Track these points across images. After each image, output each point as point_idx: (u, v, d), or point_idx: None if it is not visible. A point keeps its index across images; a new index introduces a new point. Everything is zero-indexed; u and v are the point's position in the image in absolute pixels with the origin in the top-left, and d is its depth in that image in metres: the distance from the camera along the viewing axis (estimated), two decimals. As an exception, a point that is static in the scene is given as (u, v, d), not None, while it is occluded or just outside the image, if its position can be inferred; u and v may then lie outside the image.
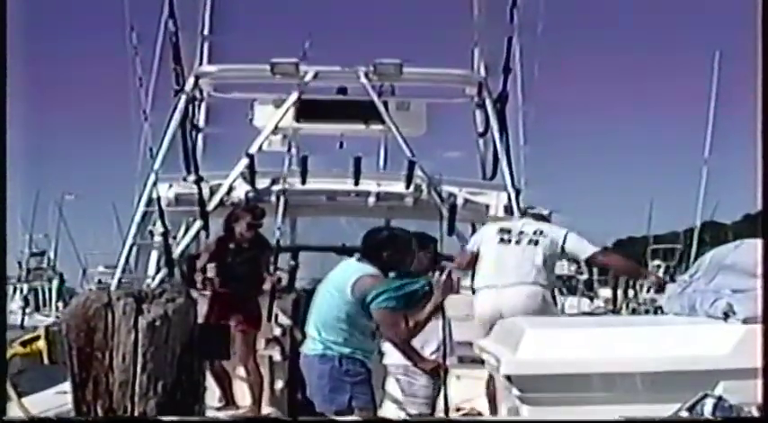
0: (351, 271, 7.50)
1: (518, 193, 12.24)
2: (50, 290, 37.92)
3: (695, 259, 8.35)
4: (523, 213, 10.27)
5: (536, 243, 9.27)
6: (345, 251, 13.35)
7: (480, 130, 13.62)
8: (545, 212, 9.98)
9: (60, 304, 34.08)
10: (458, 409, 9.70)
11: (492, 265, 9.34)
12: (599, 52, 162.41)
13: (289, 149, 13.31)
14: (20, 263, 39.20)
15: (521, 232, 9.38)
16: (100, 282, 25.39)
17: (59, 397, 7.27)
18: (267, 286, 10.16)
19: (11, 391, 5.48)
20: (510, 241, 9.36)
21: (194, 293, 6.95)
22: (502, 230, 9.53)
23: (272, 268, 10.70)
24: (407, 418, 8.34)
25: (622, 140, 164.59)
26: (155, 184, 11.99)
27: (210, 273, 10.12)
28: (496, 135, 12.86)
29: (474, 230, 13.53)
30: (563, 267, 39.33)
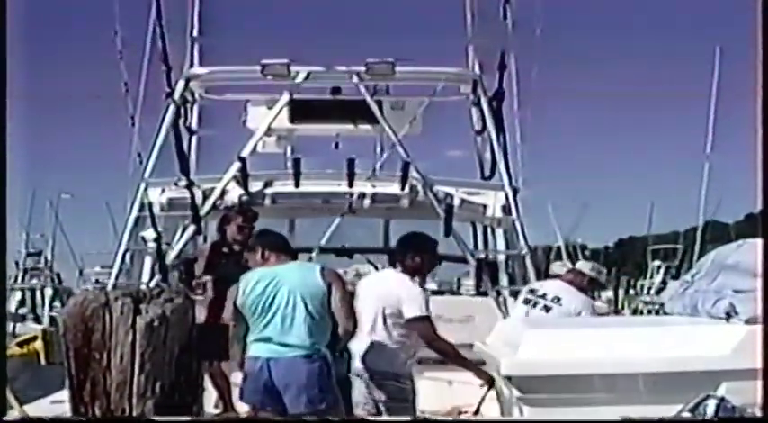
0: (308, 268, 7.91)
1: (515, 192, 12.17)
2: (44, 291, 37.85)
3: (698, 259, 8.34)
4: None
5: (547, 310, 9.26)
6: (344, 252, 13.37)
7: (477, 128, 13.57)
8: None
9: (58, 304, 33.99)
10: (459, 413, 9.68)
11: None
12: (598, 49, 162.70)
13: (285, 152, 13.29)
14: (17, 263, 39.25)
15: (543, 295, 9.52)
16: (97, 281, 25.30)
17: (56, 406, 7.21)
18: None
19: (11, 398, 5.44)
20: (535, 305, 9.52)
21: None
22: (531, 290, 9.78)
23: None
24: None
25: (623, 139, 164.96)
26: (146, 189, 11.92)
27: (205, 278, 10.09)
28: (493, 134, 12.76)
29: (474, 230, 13.56)
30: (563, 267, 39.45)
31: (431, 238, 9.10)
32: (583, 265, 10.08)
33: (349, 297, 7.79)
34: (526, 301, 9.55)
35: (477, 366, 8.19)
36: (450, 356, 8.45)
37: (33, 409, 6.86)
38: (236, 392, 9.76)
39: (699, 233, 31.54)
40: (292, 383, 7.42)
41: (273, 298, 7.54)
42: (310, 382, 7.41)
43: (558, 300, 9.29)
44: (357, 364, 8.32)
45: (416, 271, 8.59)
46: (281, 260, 7.88)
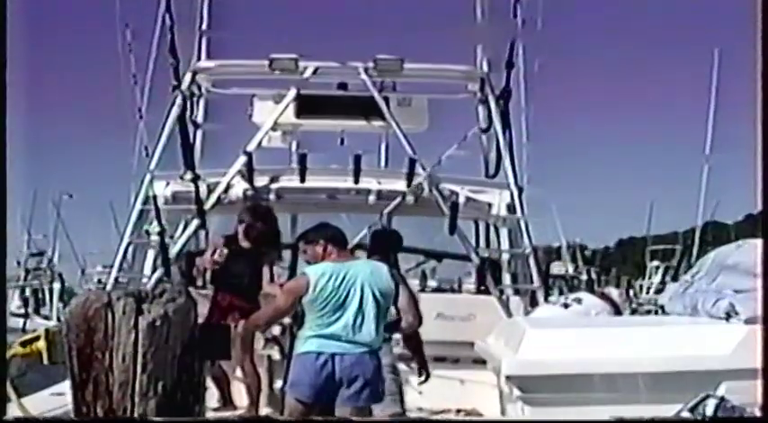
0: (379, 267, 7.81)
1: (520, 190, 12.18)
2: (51, 290, 37.94)
3: (697, 259, 8.40)
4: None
5: (566, 307, 9.35)
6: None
7: (483, 126, 13.57)
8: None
9: (60, 305, 34.08)
10: (458, 411, 9.72)
11: None
12: (601, 50, 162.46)
13: (290, 147, 13.29)
14: (19, 263, 39.26)
15: (566, 296, 9.54)
16: (99, 281, 25.33)
17: (55, 398, 7.25)
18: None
19: (11, 392, 5.47)
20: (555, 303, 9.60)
21: (194, 293, 6.90)
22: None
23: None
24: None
25: (625, 139, 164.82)
26: (151, 182, 11.94)
27: (211, 269, 10.14)
28: (499, 132, 12.75)
29: (477, 229, 13.58)
30: (563, 268, 39.60)
31: (399, 236, 9.24)
32: (612, 290, 10.24)
33: (414, 295, 7.98)
34: (547, 301, 9.63)
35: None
36: None
37: (32, 402, 6.92)
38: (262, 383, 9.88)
39: (698, 233, 31.58)
40: (360, 377, 7.51)
41: (347, 296, 7.56)
42: (374, 378, 7.57)
43: (578, 301, 9.33)
44: None
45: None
46: (342, 255, 7.87)
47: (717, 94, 29.07)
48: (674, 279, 11.51)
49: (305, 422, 7.53)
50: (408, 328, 8.04)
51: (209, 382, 9.36)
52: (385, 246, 9.05)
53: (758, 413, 5.36)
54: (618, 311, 9.59)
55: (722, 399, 5.22)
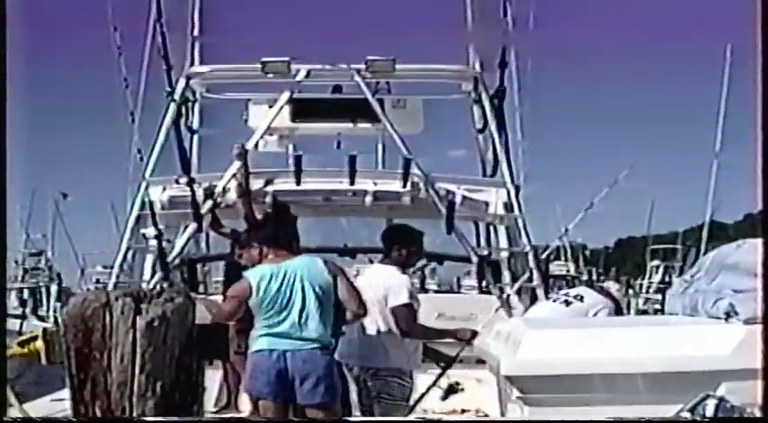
0: (314, 262, 7.90)
1: (518, 189, 12.17)
2: (48, 291, 37.94)
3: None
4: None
5: (568, 304, 9.29)
6: (347, 252, 13.34)
7: (479, 126, 13.55)
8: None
9: (58, 305, 34.05)
10: (463, 411, 9.69)
11: None
12: (601, 48, 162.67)
13: (286, 150, 13.28)
14: (17, 262, 39.24)
15: (567, 293, 9.49)
16: (98, 281, 25.31)
17: (56, 404, 7.23)
18: None
19: (10, 396, 5.45)
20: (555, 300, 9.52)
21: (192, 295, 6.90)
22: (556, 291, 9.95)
23: None
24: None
25: (624, 138, 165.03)
26: (147, 188, 11.92)
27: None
28: (494, 131, 12.76)
29: (477, 230, 13.55)
30: (563, 268, 39.54)
31: (415, 231, 9.14)
32: (611, 285, 10.23)
33: (354, 285, 7.95)
34: (548, 297, 9.59)
35: (455, 330, 8.69)
36: (430, 337, 8.58)
37: (33, 408, 6.88)
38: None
39: (705, 230, 31.51)
40: (312, 374, 7.55)
41: (290, 295, 7.64)
42: (327, 374, 7.61)
43: (580, 298, 9.28)
44: (359, 360, 8.35)
45: (402, 263, 8.66)
46: (279, 255, 7.91)
47: (728, 90, 28.98)
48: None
49: (303, 422, 7.54)
50: (353, 318, 8.00)
51: (211, 383, 9.35)
52: (403, 243, 8.93)
53: (758, 413, 5.35)
54: (618, 306, 9.57)
55: (722, 399, 5.19)
